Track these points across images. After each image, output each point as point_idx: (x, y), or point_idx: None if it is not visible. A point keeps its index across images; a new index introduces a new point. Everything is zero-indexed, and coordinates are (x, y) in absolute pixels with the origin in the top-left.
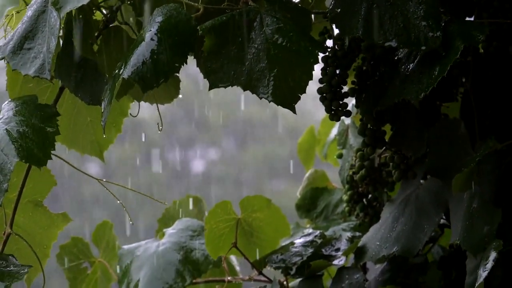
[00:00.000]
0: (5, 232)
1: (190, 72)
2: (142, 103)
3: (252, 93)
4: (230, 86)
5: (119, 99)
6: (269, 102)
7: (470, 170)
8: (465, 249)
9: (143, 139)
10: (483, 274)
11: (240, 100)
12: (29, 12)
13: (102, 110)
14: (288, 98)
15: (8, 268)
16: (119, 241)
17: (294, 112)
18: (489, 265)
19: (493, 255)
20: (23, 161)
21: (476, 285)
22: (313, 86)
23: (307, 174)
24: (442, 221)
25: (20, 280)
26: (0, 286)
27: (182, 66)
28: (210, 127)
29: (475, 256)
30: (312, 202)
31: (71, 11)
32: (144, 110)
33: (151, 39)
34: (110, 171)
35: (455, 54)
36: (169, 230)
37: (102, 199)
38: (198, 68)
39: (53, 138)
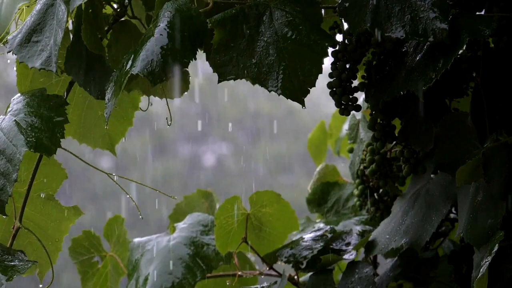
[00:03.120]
0: (14, 226)
1: (203, 66)
2: (155, 97)
3: (261, 87)
4: (239, 79)
5: (128, 92)
6: (279, 95)
7: (475, 163)
8: (468, 241)
9: (157, 133)
10: (484, 266)
11: (252, 95)
12: (38, 5)
13: (106, 102)
14: (297, 91)
15: (12, 263)
16: (132, 235)
17: (303, 105)
18: (491, 257)
19: (496, 247)
20: (32, 150)
21: (478, 277)
22: (325, 80)
23: (317, 169)
24: (453, 215)
25: (21, 275)
26: (2, 279)
27: (191, 61)
28: (223, 121)
29: (478, 249)
30: (322, 197)
31: (80, 5)
32: (157, 104)
33: (161, 34)
34: (123, 165)
35: (460, 46)
36: (180, 225)
37: (116, 192)
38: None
39: (62, 127)
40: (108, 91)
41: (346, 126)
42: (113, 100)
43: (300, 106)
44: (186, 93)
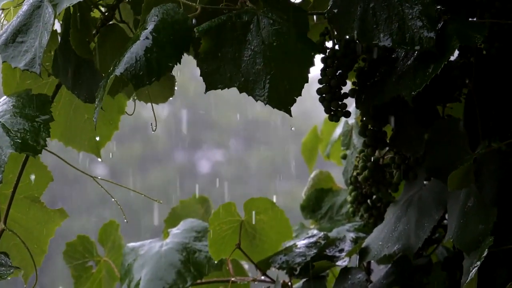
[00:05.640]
0: None
1: (197, 73)
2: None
3: (248, 95)
4: (227, 88)
5: (113, 96)
6: (265, 104)
7: (466, 168)
8: (458, 247)
9: (151, 140)
10: (473, 270)
11: (246, 102)
12: (25, 6)
13: (95, 107)
14: (283, 100)
15: None
16: (128, 241)
17: (290, 114)
18: (480, 261)
19: (485, 252)
20: (18, 151)
21: (467, 281)
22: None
23: (312, 175)
24: (446, 222)
25: (2, 280)
26: None
27: (176, 65)
28: (217, 128)
29: (468, 255)
30: (316, 203)
31: (69, 8)
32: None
33: (146, 37)
34: (119, 171)
35: (450, 53)
36: (174, 230)
37: (109, 199)
38: None
39: (47, 125)
40: (97, 96)
41: (337, 131)
42: (100, 105)
43: (294, 112)
44: (183, 100)
